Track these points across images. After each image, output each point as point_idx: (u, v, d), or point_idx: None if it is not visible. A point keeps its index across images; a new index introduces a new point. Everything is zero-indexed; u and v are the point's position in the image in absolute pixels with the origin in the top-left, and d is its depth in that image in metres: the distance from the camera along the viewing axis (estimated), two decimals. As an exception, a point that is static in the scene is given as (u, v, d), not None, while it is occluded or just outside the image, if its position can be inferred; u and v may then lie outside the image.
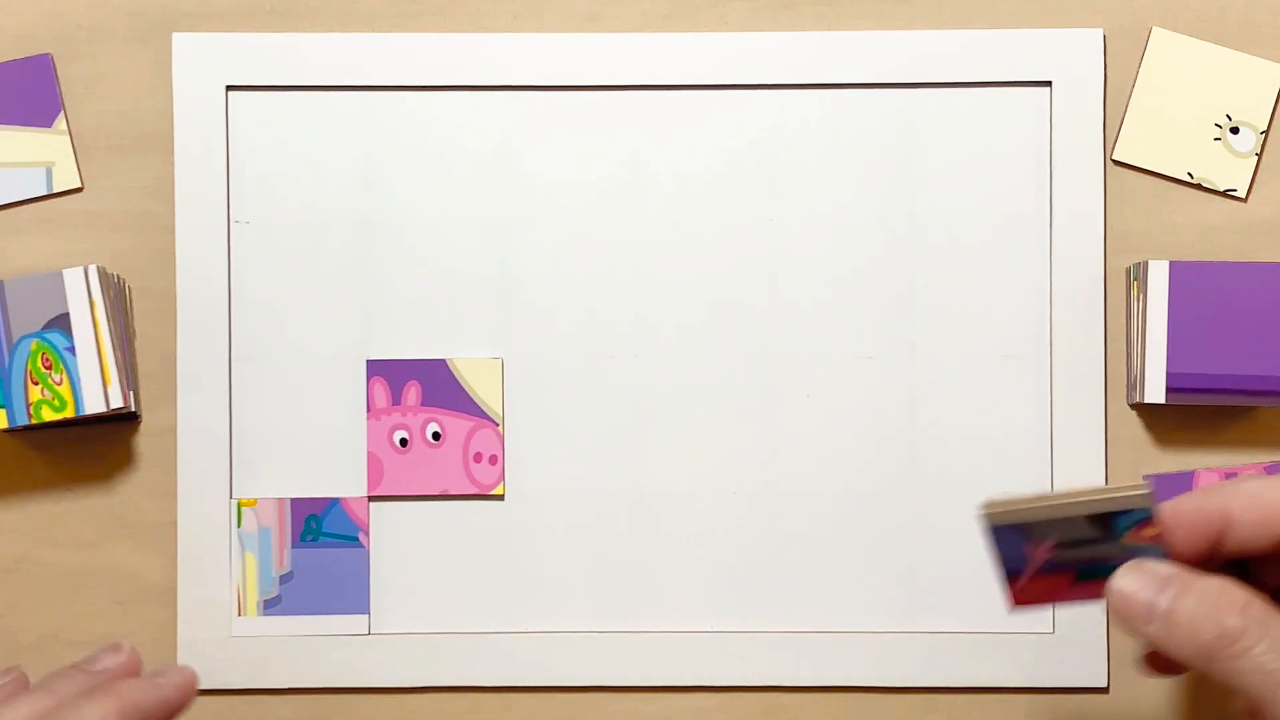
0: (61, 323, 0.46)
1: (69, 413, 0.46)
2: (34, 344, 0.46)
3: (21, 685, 0.43)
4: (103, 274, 0.47)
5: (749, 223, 0.49)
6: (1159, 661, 0.39)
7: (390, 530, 0.49)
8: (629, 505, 0.49)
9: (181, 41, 0.49)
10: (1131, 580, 0.36)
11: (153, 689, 0.42)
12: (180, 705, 0.43)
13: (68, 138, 0.49)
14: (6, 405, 0.46)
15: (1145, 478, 0.48)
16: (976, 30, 0.49)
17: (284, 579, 0.48)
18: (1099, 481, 0.48)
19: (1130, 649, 0.48)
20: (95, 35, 0.49)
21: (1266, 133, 0.49)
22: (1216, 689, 0.49)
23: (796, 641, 0.48)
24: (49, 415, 0.46)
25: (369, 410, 0.49)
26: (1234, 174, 0.49)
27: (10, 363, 0.46)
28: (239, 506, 0.48)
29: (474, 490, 0.49)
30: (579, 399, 0.49)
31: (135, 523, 0.49)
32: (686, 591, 0.49)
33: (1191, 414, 0.49)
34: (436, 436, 0.48)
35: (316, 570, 0.49)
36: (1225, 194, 0.49)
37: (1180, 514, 0.36)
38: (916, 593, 0.48)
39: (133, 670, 0.44)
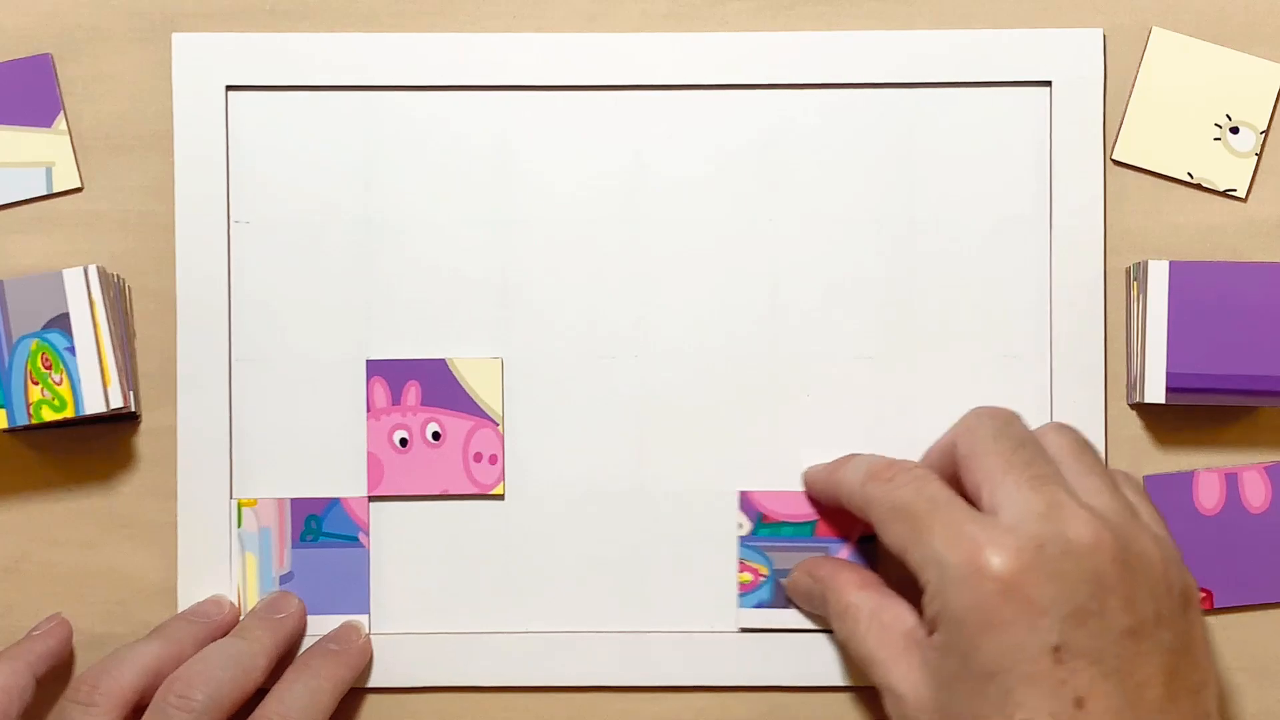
0: (61, 323, 0.46)
1: (69, 413, 0.46)
2: (34, 344, 0.46)
3: (64, 627, 0.47)
4: (103, 274, 0.47)
5: (749, 222, 0.49)
6: None
7: (390, 530, 0.49)
8: (629, 505, 0.49)
9: (181, 41, 0.49)
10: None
11: (280, 625, 0.47)
12: (301, 637, 0.48)
13: (68, 138, 0.49)
14: (6, 405, 0.46)
15: (1144, 479, 0.48)
16: (976, 30, 0.49)
17: (284, 579, 0.48)
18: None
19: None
20: (95, 35, 0.49)
21: (1266, 133, 0.49)
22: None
23: (797, 641, 0.48)
24: (49, 415, 0.46)
25: (369, 410, 0.49)
26: (1234, 174, 0.49)
27: (10, 363, 0.46)
28: (239, 506, 0.48)
29: (474, 490, 0.49)
30: (579, 399, 0.49)
31: (135, 523, 0.49)
32: (686, 591, 0.49)
33: (1191, 414, 0.49)
34: (436, 436, 0.48)
35: (316, 570, 0.49)
36: (1225, 194, 0.49)
37: (812, 489, 0.48)
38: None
39: (236, 621, 0.48)
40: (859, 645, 0.44)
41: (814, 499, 0.48)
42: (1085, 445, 0.43)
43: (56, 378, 0.46)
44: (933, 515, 0.41)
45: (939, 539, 0.40)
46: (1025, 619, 0.38)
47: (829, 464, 0.47)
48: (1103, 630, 0.38)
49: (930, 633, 0.41)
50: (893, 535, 0.42)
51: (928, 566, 0.40)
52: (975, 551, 0.39)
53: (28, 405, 0.46)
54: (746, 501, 0.48)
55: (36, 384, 0.46)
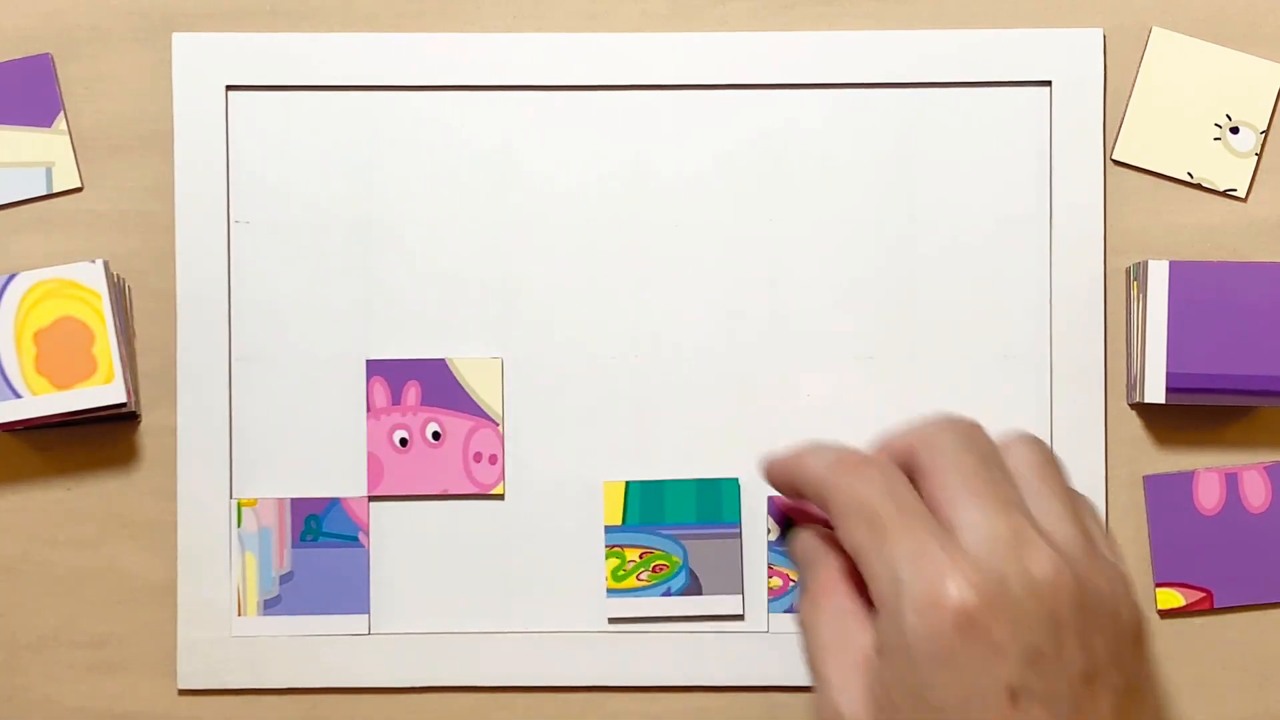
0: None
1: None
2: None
3: None
4: (108, 270, 0.47)
5: (749, 223, 0.49)
6: None
7: (390, 530, 0.49)
8: (629, 505, 0.49)
9: (181, 41, 0.49)
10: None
11: None
12: None
13: (68, 138, 0.49)
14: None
15: (1144, 478, 0.48)
16: (976, 30, 0.49)
17: (284, 579, 0.48)
18: (1098, 481, 0.48)
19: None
20: (95, 35, 0.49)
21: (1266, 133, 0.49)
22: (1218, 689, 0.49)
23: (797, 641, 0.48)
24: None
25: (369, 410, 0.49)
26: (1234, 174, 0.49)
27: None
28: (239, 506, 0.48)
29: (474, 490, 0.49)
30: (579, 399, 0.49)
31: (135, 523, 0.49)
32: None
33: (1191, 414, 0.49)
34: (436, 436, 0.48)
35: (316, 570, 0.49)
36: (1225, 194, 0.49)
37: (772, 477, 0.44)
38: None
39: None
40: (815, 655, 0.41)
41: (776, 487, 0.44)
42: (1050, 462, 0.41)
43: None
44: (898, 524, 0.38)
45: (901, 553, 0.37)
46: (983, 659, 0.36)
47: (791, 451, 0.43)
48: (1058, 673, 0.36)
49: (879, 651, 0.38)
50: (852, 537, 0.39)
51: (883, 580, 0.38)
52: (937, 577, 0.36)
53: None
54: (774, 507, 0.48)
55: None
